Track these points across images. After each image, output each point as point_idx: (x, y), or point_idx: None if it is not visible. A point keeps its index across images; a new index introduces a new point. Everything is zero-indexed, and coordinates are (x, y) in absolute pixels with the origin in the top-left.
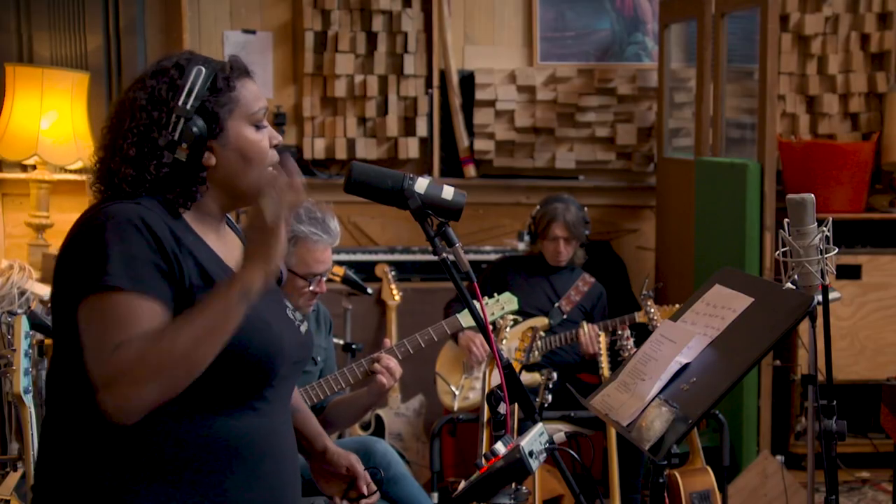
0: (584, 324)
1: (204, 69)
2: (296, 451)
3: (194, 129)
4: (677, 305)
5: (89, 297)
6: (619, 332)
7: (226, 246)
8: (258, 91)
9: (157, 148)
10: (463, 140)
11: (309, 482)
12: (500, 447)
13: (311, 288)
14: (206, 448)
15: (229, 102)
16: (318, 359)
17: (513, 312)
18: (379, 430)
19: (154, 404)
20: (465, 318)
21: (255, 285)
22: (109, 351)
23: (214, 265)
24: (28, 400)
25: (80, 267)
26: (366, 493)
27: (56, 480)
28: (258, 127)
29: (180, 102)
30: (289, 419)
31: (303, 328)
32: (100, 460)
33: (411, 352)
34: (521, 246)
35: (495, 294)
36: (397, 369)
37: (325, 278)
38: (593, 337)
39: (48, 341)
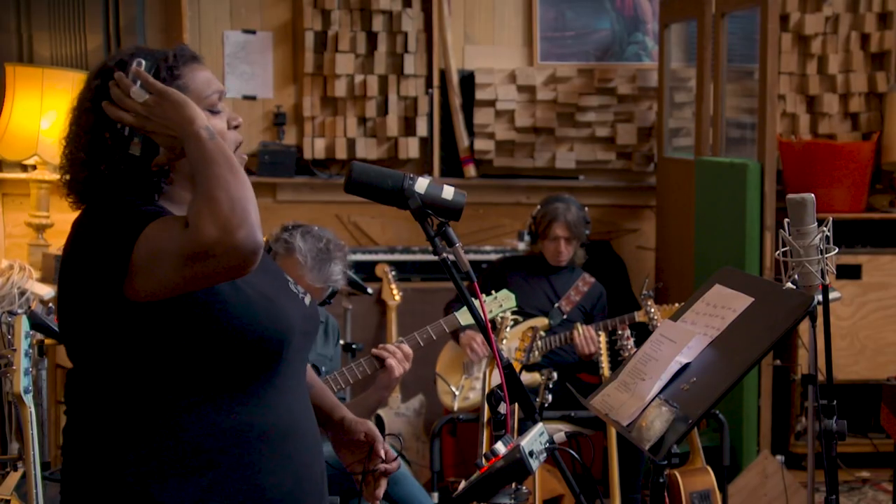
0: (579, 325)
1: (144, 61)
2: (316, 427)
3: None
4: (677, 305)
5: (138, 242)
6: (620, 332)
7: None
8: (209, 76)
9: (106, 147)
10: (463, 140)
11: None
12: (501, 447)
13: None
14: (231, 433)
15: (177, 91)
16: (323, 368)
17: (512, 312)
18: (379, 430)
19: (258, 227)
20: (463, 317)
21: (201, 120)
22: (185, 230)
23: None
24: (28, 400)
25: (109, 243)
26: (382, 455)
27: (84, 476)
28: (213, 112)
29: None
30: (306, 395)
31: (307, 300)
32: (126, 452)
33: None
34: (522, 246)
35: (493, 291)
36: (409, 352)
37: None
38: (588, 338)
39: (48, 341)
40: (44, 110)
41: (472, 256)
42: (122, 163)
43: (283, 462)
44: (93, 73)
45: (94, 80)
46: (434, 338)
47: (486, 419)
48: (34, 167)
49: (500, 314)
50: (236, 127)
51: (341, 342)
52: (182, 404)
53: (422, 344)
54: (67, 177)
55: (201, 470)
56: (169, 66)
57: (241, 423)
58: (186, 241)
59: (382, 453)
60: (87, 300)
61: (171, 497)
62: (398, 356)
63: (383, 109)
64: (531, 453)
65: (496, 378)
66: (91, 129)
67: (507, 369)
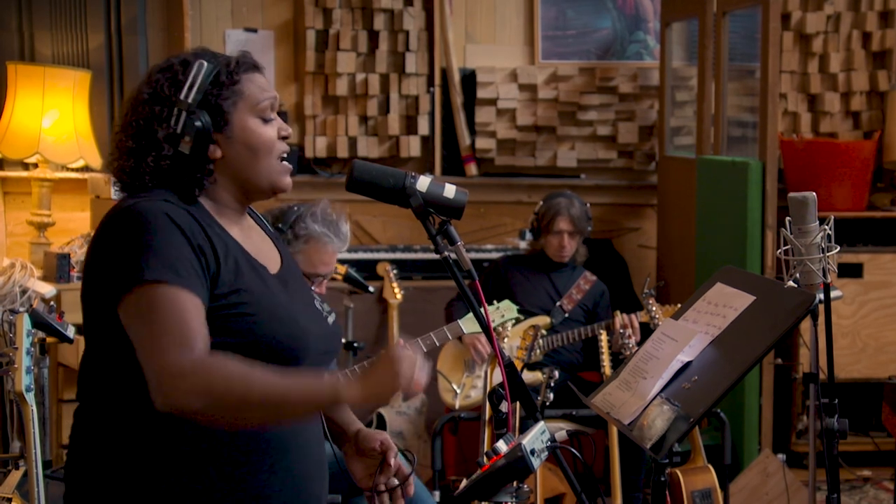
0: (619, 313)
1: (206, 63)
2: (322, 444)
3: (197, 123)
4: (679, 304)
5: (133, 290)
6: (621, 331)
7: (251, 239)
8: (265, 83)
9: (156, 141)
10: (464, 138)
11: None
12: (502, 445)
13: (311, 288)
14: (235, 441)
15: (233, 95)
16: None
17: (513, 320)
18: (380, 428)
19: (192, 415)
20: (466, 325)
21: (348, 400)
22: (173, 348)
23: (241, 257)
24: (30, 398)
25: (119, 262)
26: (391, 462)
27: (88, 470)
28: (265, 120)
29: (182, 96)
30: (317, 413)
31: (330, 319)
32: (131, 450)
33: None
34: (523, 244)
35: (495, 301)
36: None
37: (326, 280)
38: (627, 324)
39: (50, 339)
40: (45, 109)
41: (474, 255)
42: (168, 158)
43: (282, 474)
44: (155, 69)
45: (156, 74)
46: (437, 344)
47: (487, 417)
48: (35, 165)
49: (501, 324)
50: (284, 138)
51: (341, 340)
52: None
53: (425, 350)
54: (115, 163)
55: (201, 470)
56: (230, 70)
57: (245, 432)
58: (154, 365)
59: (392, 462)
60: (104, 302)
61: (172, 495)
62: None
63: (385, 108)
64: (533, 452)
65: (498, 376)
66: (144, 120)
67: (509, 367)
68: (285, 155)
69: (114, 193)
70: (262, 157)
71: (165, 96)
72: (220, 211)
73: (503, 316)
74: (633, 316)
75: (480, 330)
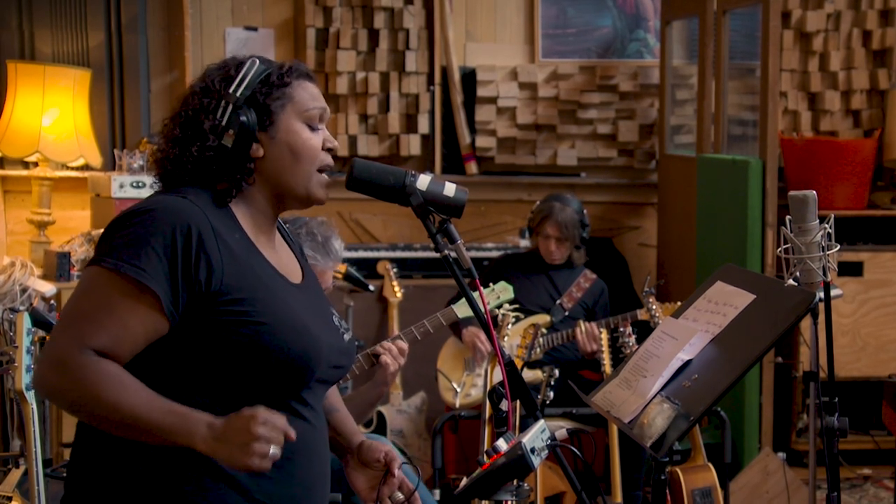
0: (582, 322)
1: (258, 62)
2: (328, 452)
3: (242, 118)
4: (679, 303)
5: (90, 267)
6: (621, 329)
7: (275, 250)
8: (317, 93)
9: (201, 131)
10: (465, 137)
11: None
12: (502, 444)
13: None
14: None
15: (282, 97)
16: None
17: (514, 309)
18: (381, 427)
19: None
20: (460, 309)
21: (199, 449)
22: (75, 338)
23: (261, 265)
24: (30, 397)
25: (103, 239)
26: (396, 473)
27: (92, 473)
28: (312, 127)
29: (231, 90)
30: (323, 421)
31: (346, 336)
32: (138, 453)
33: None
34: (523, 243)
35: (491, 284)
36: (404, 347)
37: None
38: (591, 336)
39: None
40: (45, 107)
41: (474, 253)
42: (211, 149)
43: (288, 479)
44: (211, 66)
45: (209, 70)
46: (431, 331)
47: (487, 416)
48: (36, 164)
49: (498, 306)
50: (329, 150)
51: None
52: (204, 410)
53: (419, 338)
54: (159, 152)
55: (210, 473)
56: (282, 73)
57: None
58: (51, 342)
59: (397, 473)
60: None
61: (176, 501)
62: (393, 352)
63: (385, 107)
64: (533, 450)
65: (498, 375)
66: (192, 111)
67: (509, 366)
68: (328, 168)
69: (151, 187)
70: (303, 162)
71: (215, 90)
72: (252, 217)
73: (499, 298)
74: (592, 325)
75: (474, 315)
